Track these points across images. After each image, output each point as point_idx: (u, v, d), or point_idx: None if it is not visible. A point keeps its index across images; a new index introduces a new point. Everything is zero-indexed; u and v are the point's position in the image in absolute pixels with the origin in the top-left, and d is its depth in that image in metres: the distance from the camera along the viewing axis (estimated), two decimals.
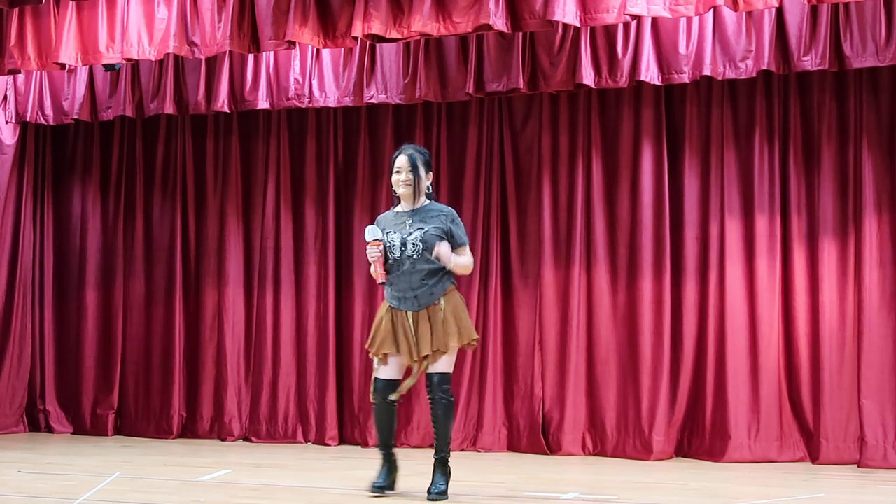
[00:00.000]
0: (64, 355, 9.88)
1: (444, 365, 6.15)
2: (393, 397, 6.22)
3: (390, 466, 6.35)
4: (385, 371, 6.23)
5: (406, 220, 6.22)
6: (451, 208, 6.32)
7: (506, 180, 8.75)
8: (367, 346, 6.38)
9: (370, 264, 6.27)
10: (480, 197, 8.77)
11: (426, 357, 6.14)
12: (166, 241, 9.63)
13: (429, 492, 6.16)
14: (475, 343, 6.31)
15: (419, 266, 6.13)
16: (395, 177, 6.25)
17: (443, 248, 6.07)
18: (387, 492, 6.28)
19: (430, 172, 6.32)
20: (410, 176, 6.21)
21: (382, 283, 6.24)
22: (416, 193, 6.23)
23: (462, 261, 6.19)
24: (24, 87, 9.35)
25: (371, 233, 6.23)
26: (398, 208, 6.32)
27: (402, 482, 6.37)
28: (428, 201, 6.29)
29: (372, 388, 6.27)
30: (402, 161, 6.23)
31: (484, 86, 8.27)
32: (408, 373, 6.29)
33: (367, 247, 6.20)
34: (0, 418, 9.53)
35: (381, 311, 6.31)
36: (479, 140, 8.83)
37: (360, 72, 8.54)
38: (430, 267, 6.13)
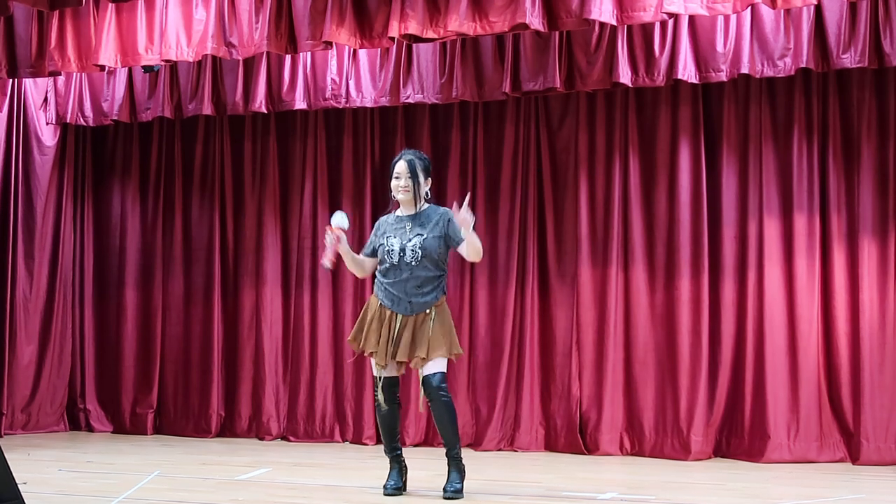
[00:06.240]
0: (104, 355, 9.96)
1: (437, 365, 6.17)
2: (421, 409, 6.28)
3: (400, 468, 6.38)
4: (385, 370, 6.25)
5: (406, 225, 6.28)
6: (447, 209, 6.33)
7: (542, 179, 8.73)
8: (349, 340, 6.43)
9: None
10: (517, 196, 8.76)
11: (402, 363, 6.22)
12: (205, 241, 9.68)
13: (444, 490, 6.18)
14: (457, 356, 6.33)
15: (416, 273, 6.19)
16: (394, 182, 6.31)
17: (464, 216, 5.99)
18: (402, 493, 6.32)
19: (429, 178, 6.36)
20: (409, 182, 6.26)
21: (327, 268, 6.32)
22: (415, 199, 6.29)
23: (476, 240, 6.10)
24: (65, 88, 9.43)
25: (337, 218, 6.29)
26: (399, 212, 6.37)
27: (438, 482, 6.37)
28: (427, 205, 6.35)
29: (375, 389, 6.29)
30: (401, 167, 6.29)
31: (521, 85, 8.26)
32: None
33: (329, 230, 6.26)
34: (41, 417, 9.63)
35: (371, 306, 6.33)
36: (515, 139, 8.82)
37: (396, 72, 8.55)
38: (428, 275, 6.20)
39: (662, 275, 8.39)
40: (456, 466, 6.23)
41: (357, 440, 8.99)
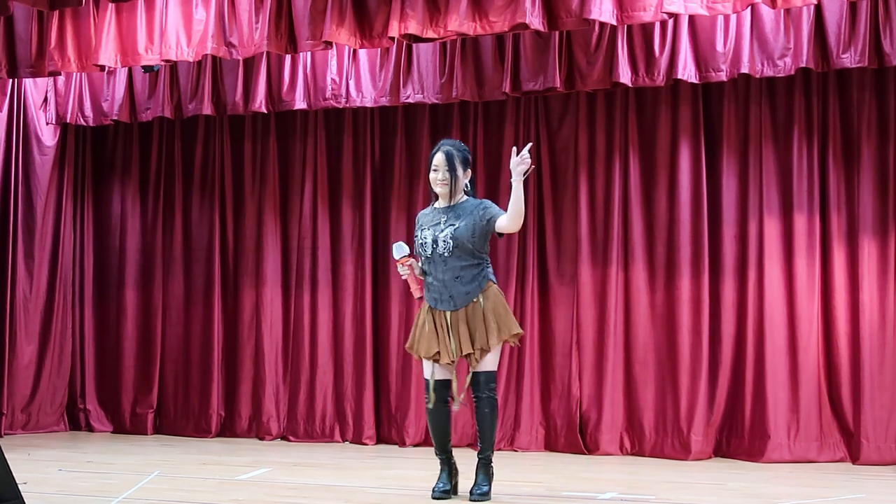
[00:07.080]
0: (104, 354, 9.96)
1: (489, 363, 6.10)
2: (455, 408, 6.17)
3: (450, 470, 6.27)
4: (437, 372, 6.16)
5: (441, 218, 6.17)
6: (487, 200, 6.27)
7: (542, 179, 8.73)
8: (407, 347, 6.36)
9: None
10: None
11: (468, 355, 6.07)
12: (205, 241, 9.68)
13: (471, 492, 6.13)
14: (517, 337, 6.20)
15: (452, 263, 6.07)
16: (432, 175, 6.19)
17: (519, 160, 5.91)
18: (451, 496, 6.22)
19: (469, 170, 6.24)
20: (447, 175, 6.14)
21: (419, 298, 6.21)
22: (452, 192, 6.18)
23: (521, 198, 5.94)
24: (65, 88, 9.43)
25: (398, 250, 6.19)
26: (436, 204, 6.27)
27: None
28: (465, 198, 6.23)
29: (427, 392, 6.20)
30: (439, 159, 6.16)
31: (521, 85, 8.25)
32: (460, 374, 6.24)
33: (398, 265, 6.21)
34: (41, 417, 9.63)
35: (422, 311, 6.24)
36: (515, 139, 8.81)
37: (396, 72, 8.55)
38: (464, 264, 6.07)
39: (662, 275, 8.38)
40: (485, 469, 6.17)
41: (357, 440, 8.99)
